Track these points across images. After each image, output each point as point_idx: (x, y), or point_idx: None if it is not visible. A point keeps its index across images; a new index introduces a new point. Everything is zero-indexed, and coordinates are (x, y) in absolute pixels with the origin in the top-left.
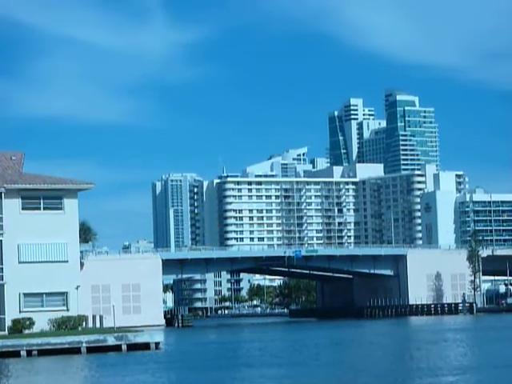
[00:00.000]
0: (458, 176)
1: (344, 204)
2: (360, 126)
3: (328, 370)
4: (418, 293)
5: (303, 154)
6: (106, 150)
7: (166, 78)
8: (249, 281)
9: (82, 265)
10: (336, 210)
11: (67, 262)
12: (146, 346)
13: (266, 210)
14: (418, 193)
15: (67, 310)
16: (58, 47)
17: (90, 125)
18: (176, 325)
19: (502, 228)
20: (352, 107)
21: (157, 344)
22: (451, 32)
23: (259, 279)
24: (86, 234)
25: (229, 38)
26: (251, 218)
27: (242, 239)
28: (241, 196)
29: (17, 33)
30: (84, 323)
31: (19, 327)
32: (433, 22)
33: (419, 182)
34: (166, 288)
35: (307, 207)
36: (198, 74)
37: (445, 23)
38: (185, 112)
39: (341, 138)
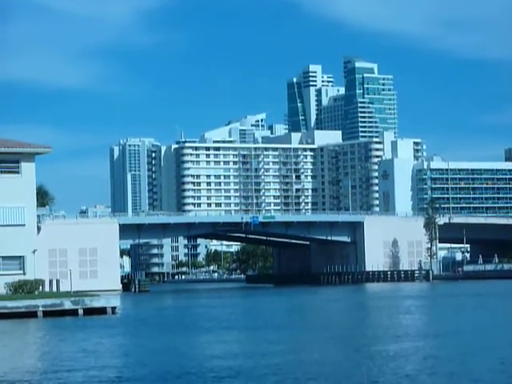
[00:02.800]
0: (415, 143)
1: (302, 170)
2: (319, 92)
3: (282, 333)
4: (375, 259)
5: (261, 120)
6: (64, 115)
7: (125, 43)
8: (206, 246)
9: (39, 229)
10: (294, 177)
11: (24, 225)
12: (102, 311)
13: (224, 175)
14: (376, 160)
15: (24, 273)
16: (19, 11)
17: (50, 90)
18: (133, 290)
19: (459, 196)
20: (311, 74)
21: (113, 308)
22: (413, 0)
23: (216, 245)
24: (43, 198)
25: (188, 4)
26: (209, 183)
27: (199, 205)
28: (199, 161)
29: None
30: (41, 287)
31: None
32: None
33: (377, 150)
34: (123, 253)
35: (265, 173)
36: (158, 40)
37: None
38: (144, 77)
39: (299, 104)
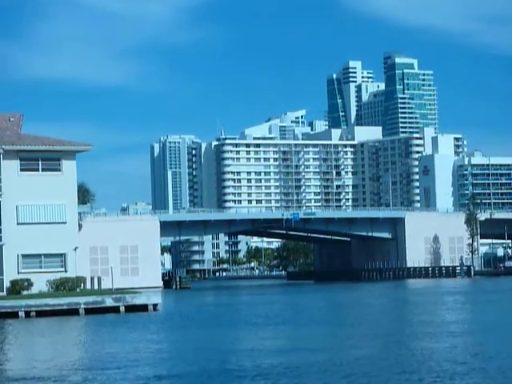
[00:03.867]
0: (456, 139)
1: (342, 167)
2: (359, 88)
3: (325, 329)
4: (416, 256)
5: (301, 117)
6: (105, 112)
7: (167, 40)
8: (246, 243)
9: (80, 226)
10: (334, 173)
11: (65, 223)
12: (143, 308)
13: (264, 172)
14: (417, 156)
15: (65, 271)
16: (63, 10)
17: (91, 87)
18: (174, 287)
19: (500, 191)
20: (351, 70)
21: (154, 306)
22: None
23: (257, 241)
24: (84, 195)
25: (231, 1)
26: (249, 180)
27: (239, 201)
28: (239, 158)
29: None
30: (82, 285)
31: (17, 288)
32: None
33: (417, 145)
34: (163, 250)
35: (305, 170)
36: (199, 37)
37: None
38: (184, 74)
39: (339, 100)
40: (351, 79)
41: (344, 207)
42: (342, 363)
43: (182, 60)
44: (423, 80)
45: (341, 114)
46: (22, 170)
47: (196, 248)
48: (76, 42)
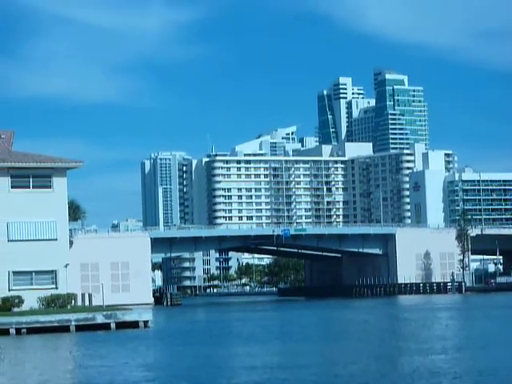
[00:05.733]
0: (447, 155)
1: (333, 183)
2: (349, 104)
3: (316, 346)
4: (407, 272)
5: (292, 133)
6: (96, 128)
7: (160, 57)
8: (237, 259)
9: (71, 243)
10: (325, 189)
11: (56, 240)
12: (134, 325)
13: (255, 188)
14: (407, 172)
15: (56, 288)
16: (56, 26)
17: (84, 104)
18: (165, 303)
19: (491, 207)
20: (341, 86)
21: (145, 322)
22: (443, 12)
23: (248, 258)
24: (74, 212)
25: (222, 17)
26: (240, 196)
27: (230, 218)
28: (230, 175)
29: (14, 12)
30: (73, 301)
31: (8, 305)
32: (425, 2)
33: (408, 161)
34: (154, 266)
35: (296, 186)
36: (191, 54)
37: (437, 3)
38: (176, 91)
39: (330, 116)
40: (342, 95)
41: (335, 223)
42: (328, 380)
43: (172, 76)
44: (413, 96)
45: (331, 130)
46: (12, 187)
47: (187, 264)
48: (67, 59)
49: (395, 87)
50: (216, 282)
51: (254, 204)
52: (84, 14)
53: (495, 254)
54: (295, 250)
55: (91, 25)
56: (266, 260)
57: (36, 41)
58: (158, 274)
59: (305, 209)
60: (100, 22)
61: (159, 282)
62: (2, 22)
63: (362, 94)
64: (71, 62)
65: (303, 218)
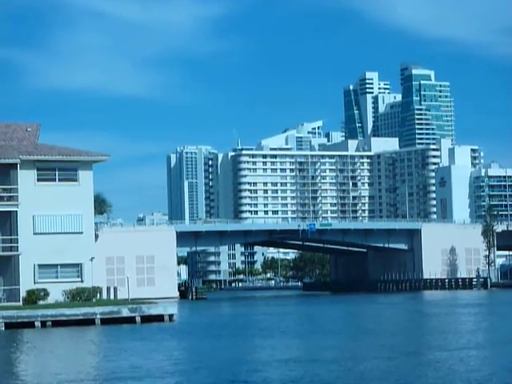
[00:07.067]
0: (473, 151)
1: (359, 178)
2: (375, 99)
3: (340, 341)
4: (433, 267)
5: (318, 128)
6: (123, 122)
7: (188, 51)
8: (263, 254)
9: (96, 236)
10: (350, 184)
11: (82, 233)
12: (159, 318)
13: (281, 183)
14: (433, 167)
15: (81, 281)
16: (85, 20)
17: (112, 97)
18: (190, 297)
19: None
20: (367, 81)
21: (170, 316)
22: (471, 6)
23: (273, 252)
24: (100, 205)
25: (251, 11)
26: (266, 191)
27: (256, 212)
28: (255, 169)
29: (44, 4)
30: (98, 295)
31: (34, 298)
32: None
33: (434, 157)
34: (180, 260)
35: (322, 181)
36: (219, 48)
37: None
38: (202, 85)
39: (356, 111)
40: (368, 90)
41: (360, 218)
42: (353, 375)
43: (199, 71)
44: (440, 91)
45: (357, 125)
46: (38, 180)
47: (212, 258)
48: (97, 52)
49: (422, 82)
50: (241, 277)
51: (279, 198)
52: (113, 7)
53: None
54: (320, 245)
55: (120, 18)
56: (292, 254)
57: (65, 34)
58: (184, 267)
59: (330, 203)
60: (129, 16)
61: (184, 276)
62: (32, 15)
63: (388, 88)
64: (100, 55)
65: (329, 212)
